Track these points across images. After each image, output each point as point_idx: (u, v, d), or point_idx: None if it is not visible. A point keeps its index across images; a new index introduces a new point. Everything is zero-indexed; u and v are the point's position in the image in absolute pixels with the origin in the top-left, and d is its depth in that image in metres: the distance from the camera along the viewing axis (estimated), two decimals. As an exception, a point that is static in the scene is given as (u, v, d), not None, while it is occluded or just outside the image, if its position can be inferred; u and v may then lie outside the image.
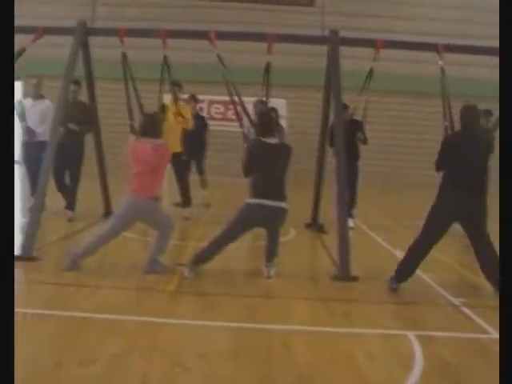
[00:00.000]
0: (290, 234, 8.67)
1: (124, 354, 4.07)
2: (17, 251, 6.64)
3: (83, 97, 9.37)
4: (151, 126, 6.47)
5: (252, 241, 7.00)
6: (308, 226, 9.66)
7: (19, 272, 6.27)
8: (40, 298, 5.49)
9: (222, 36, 8.20)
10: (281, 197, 6.33)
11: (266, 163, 6.34)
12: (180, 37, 8.86)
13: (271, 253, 6.50)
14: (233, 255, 6.58)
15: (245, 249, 7.43)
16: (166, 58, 8.03)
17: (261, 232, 6.57)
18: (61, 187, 9.40)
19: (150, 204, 6.31)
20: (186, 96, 10.60)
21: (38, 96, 9.16)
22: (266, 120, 6.62)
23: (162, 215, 6.52)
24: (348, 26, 13.06)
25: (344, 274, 6.48)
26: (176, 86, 9.48)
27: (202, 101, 12.89)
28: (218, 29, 8.26)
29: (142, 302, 5.44)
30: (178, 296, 5.73)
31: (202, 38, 8.24)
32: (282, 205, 6.32)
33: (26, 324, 4.63)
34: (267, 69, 7.78)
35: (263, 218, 6.35)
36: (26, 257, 6.58)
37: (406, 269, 6.04)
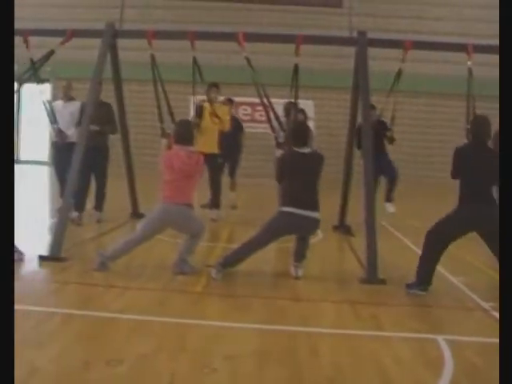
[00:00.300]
0: (318, 237, 8.63)
1: (151, 355, 4.08)
2: (45, 252, 6.72)
3: (111, 99, 9.39)
4: (185, 134, 6.42)
5: (280, 242, 6.97)
6: (335, 228, 9.61)
7: (48, 272, 6.35)
8: (68, 298, 5.54)
9: (250, 38, 8.18)
10: (314, 207, 6.33)
11: (299, 173, 6.36)
12: (208, 38, 8.87)
13: (300, 254, 6.51)
14: (260, 256, 6.56)
15: (272, 250, 7.41)
16: (195, 60, 8.04)
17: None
18: (76, 207, 8.82)
19: (182, 210, 6.28)
20: (222, 98, 10.50)
21: (68, 98, 9.16)
22: (301, 131, 6.66)
23: (195, 221, 6.47)
24: (374, 27, 13.01)
25: (371, 277, 6.43)
26: (213, 86, 9.47)
27: (231, 103, 12.96)
28: (245, 30, 8.25)
29: (170, 303, 5.44)
30: (205, 297, 5.73)
31: (230, 39, 8.23)
32: (316, 215, 6.32)
33: (55, 324, 4.68)
34: (296, 70, 7.75)
35: (296, 227, 6.37)
36: (55, 257, 6.63)
37: (423, 273, 6.00)
